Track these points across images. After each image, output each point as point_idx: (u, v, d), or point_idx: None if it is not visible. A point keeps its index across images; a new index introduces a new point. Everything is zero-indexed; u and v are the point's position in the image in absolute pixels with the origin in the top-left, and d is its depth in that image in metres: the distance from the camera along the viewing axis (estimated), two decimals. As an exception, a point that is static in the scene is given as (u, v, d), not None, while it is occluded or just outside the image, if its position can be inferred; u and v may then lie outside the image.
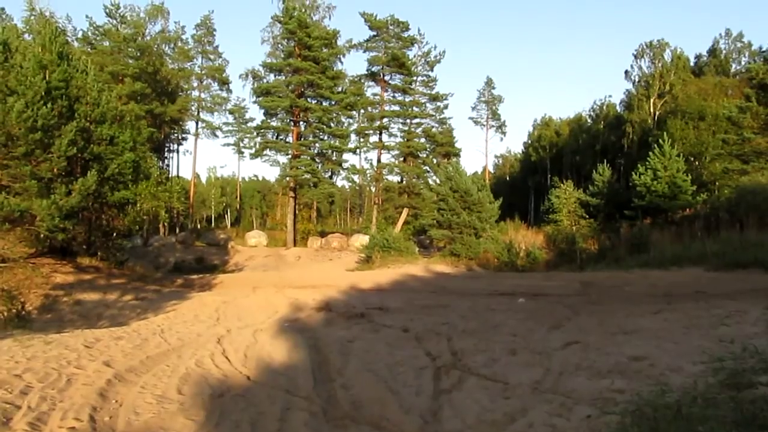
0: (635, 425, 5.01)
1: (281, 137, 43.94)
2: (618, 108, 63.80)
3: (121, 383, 6.98)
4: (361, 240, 36.67)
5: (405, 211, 44.97)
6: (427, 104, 46.34)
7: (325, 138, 44.11)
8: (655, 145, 32.13)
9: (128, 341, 9.53)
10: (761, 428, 4.48)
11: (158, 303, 15.75)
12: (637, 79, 59.93)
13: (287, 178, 43.37)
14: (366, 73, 46.29)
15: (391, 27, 44.29)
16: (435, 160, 45.21)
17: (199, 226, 59.37)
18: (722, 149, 32.23)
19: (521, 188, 72.05)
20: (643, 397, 5.94)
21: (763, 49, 40.41)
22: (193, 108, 52.42)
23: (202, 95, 53.41)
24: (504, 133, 69.79)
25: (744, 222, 22.25)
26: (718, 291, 14.18)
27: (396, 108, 45.40)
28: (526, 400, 6.35)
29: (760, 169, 27.24)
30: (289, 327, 11.35)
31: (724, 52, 61.72)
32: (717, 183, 33.42)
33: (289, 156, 42.75)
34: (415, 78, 45.61)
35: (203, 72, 52.86)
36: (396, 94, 45.78)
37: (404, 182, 45.55)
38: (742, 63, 57.64)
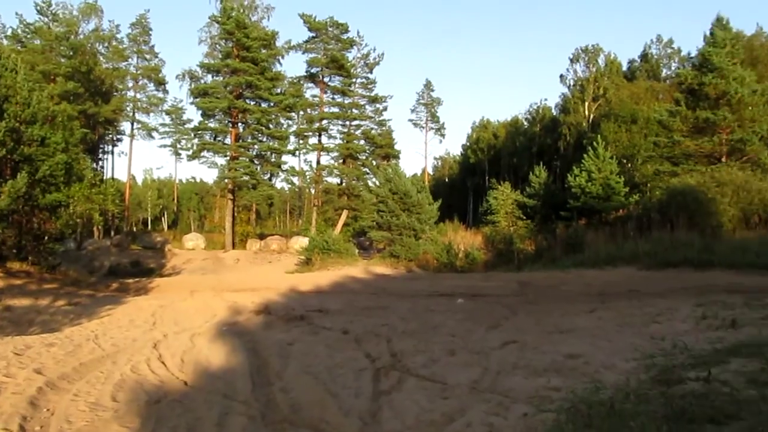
0: (570, 422, 5.11)
1: (219, 139, 43.42)
2: (554, 111, 64.96)
3: (53, 391, 6.79)
4: (301, 242, 36.48)
5: (345, 213, 44.91)
6: (367, 106, 46.44)
7: (264, 140, 43.78)
8: (590, 148, 32.84)
9: (60, 348, 9.28)
10: (690, 422, 4.61)
11: (92, 308, 15.36)
12: (572, 83, 61.17)
13: (225, 180, 42.88)
14: (305, 74, 46.14)
15: (330, 29, 44.20)
16: (374, 162, 45.27)
17: (135, 229, 58.07)
18: (653, 152, 33.08)
19: (460, 190, 72.73)
20: (578, 394, 6.06)
21: (692, 55, 41.64)
22: (128, 108, 51.33)
23: (138, 96, 52.39)
24: (443, 136, 70.43)
25: (674, 222, 22.86)
26: (650, 290, 14.58)
27: (335, 110, 45.32)
28: (464, 400, 6.40)
29: (689, 170, 28.04)
30: (227, 331, 11.21)
31: (655, 57, 63.48)
32: (648, 184, 34.30)
33: (228, 158, 42.27)
34: (354, 80, 45.64)
35: (139, 72, 51.81)
36: (335, 96, 45.69)
37: (344, 184, 45.49)
38: (672, 68, 59.31)
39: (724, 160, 28.64)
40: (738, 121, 28.68)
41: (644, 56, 64.07)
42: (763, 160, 27.69)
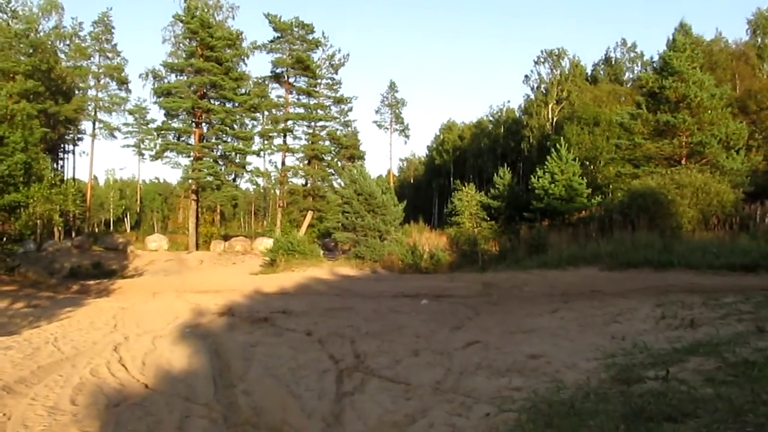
0: (531, 422, 5.16)
1: (183, 139, 43.02)
2: (517, 113, 65.47)
3: (10, 395, 6.68)
4: (266, 243, 36.29)
5: (309, 214, 44.77)
6: (332, 107, 46.34)
7: (229, 140, 43.47)
8: (553, 150, 33.12)
9: (18, 351, 9.14)
10: (648, 420, 4.68)
11: (52, 310, 15.12)
12: (536, 85, 61.74)
13: (189, 181, 42.47)
14: (270, 74, 45.85)
15: (295, 29, 44.02)
16: (340, 163, 45.26)
17: (96, 230, 57.28)
18: (615, 154, 33.53)
19: (425, 191, 72.95)
20: (539, 394, 6.12)
21: (654, 59, 42.32)
22: (90, 108, 50.50)
23: (100, 95, 51.54)
24: (408, 137, 70.60)
25: (635, 223, 23.12)
26: (612, 290, 14.75)
27: (300, 110, 45.15)
28: (427, 401, 6.43)
29: (650, 173, 28.44)
30: (190, 333, 11.12)
31: (618, 61, 64.42)
32: (611, 186, 34.77)
33: (192, 158, 41.89)
34: (319, 80, 45.52)
35: (101, 71, 51.02)
36: (300, 97, 45.49)
37: (309, 185, 45.33)
38: (635, 72, 60.20)
39: (683, 162, 29.09)
40: (697, 124, 29.16)
41: (607, 60, 64.94)
42: (721, 162, 28.18)
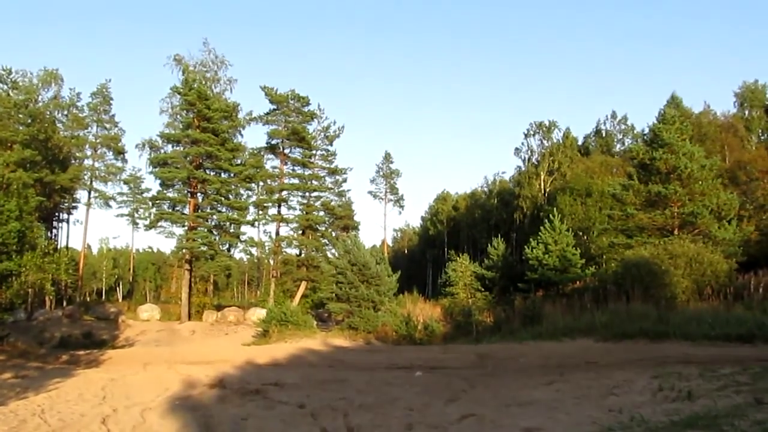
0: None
1: (177, 208, 43.12)
2: (510, 184, 66.06)
3: (-7, 470, 6.52)
4: (258, 314, 35.99)
5: (303, 285, 44.56)
6: (327, 178, 46.75)
7: (223, 210, 43.63)
8: (546, 220, 33.34)
9: (4, 423, 8.95)
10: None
11: (40, 381, 14.84)
12: (527, 157, 62.48)
13: (183, 250, 42.36)
14: (266, 145, 46.33)
15: (291, 101, 44.71)
16: (334, 233, 45.35)
17: (88, 299, 56.82)
18: (608, 224, 33.73)
19: (419, 261, 73.03)
20: (536, 469, 6.01)
21: (644, 131, 43.02)
22: (86, 177, 50.78)
23: (96, 164, 51.89)
24: (402, 207, 70.84)
25: (630, 294, 23.09)
26: (608, 361, 14.62)
27: (295, 181, 45.50)
28: (421, 476, 6.30)
29: (643, 243, 28.55)
30: (180, 405, 10.92)
31: (609, 132, 65.50)
32: (604, 256, 34.82)
33: (186, 228, 41.93)
34: (314, 152, 45.99)
35: (98, 141, 51.49)
36: (295, 167, 45.89)
37: (303, 255, 45.28)
38: (626, 143, 61.11)
39: (676, 232, 29.26)
40: (688, 195, 29.47)
41: (598, 132, 65.98)
42: (713, 232, 28.35)
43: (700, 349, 15.66)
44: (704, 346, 16.24)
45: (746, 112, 53.81)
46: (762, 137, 52.00)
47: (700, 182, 29.61)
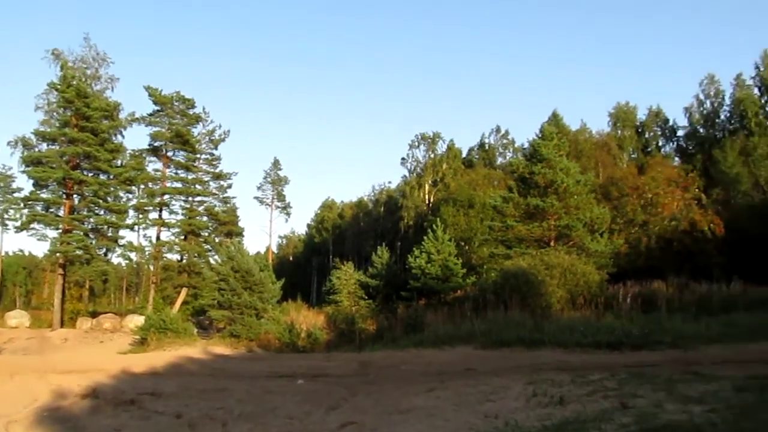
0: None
1: (52, 210, 41.03)
2: (396, 194, 66.88)
3: None
4: (136, 321, 34.78)
5: (184, 291, 43.43)
6: (211, 182, 45.67)
7: (101, 213, 41.86)
8: (429, 230, 33.92)
9: None
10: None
11: None
12: (412, 168, 63.51)
13: (57, 254, 40.39)
14: (148, 147, 44.87)
15: (176, 103, 43.55)
16: (217, 239, 44.41)
17: (-50, 306, 53.32)
18: (489, 235, 34.65)
19: (304, 268, 72.75)
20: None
21: (525, 146, 44.58)
22: (-50, 176, 47.74)
23: (-38, 162, 48.90)
24: (289, 214, 70.21)
25: (508, 303, 23.74)
26: (486, 368, 14.99)
27: (178, 185, 44.28)
28: (300, 485, 6.26)
29: (521, 254, 29.48)
30: (48, 417, 10.41)
31: (492, 146, 67.49)
32: (484, 266, 35.73)
33: (60, 230, 40.02)
34: (199, 156, 44.96)
35: (-36, 138, 48.58)
36: (179, 171, 44.67)
37: (184, 261, 44.12)
38: (507, 157, 63.10)
39: (552, 244, 30.43)
40: (564, 209, 30.70)
41: (482, 145, 67.84)
42: (586, 244, 29.67)
43: (572, 356, 16.34)
44: (576, 353, 16.95)
45: (619, 132, 56.71)
46: (633, 156, 54.93)
47: (576, 196, 30.91)
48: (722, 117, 50.92)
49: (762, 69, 46.74)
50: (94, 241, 41.22)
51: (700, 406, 8.62)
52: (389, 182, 73.51)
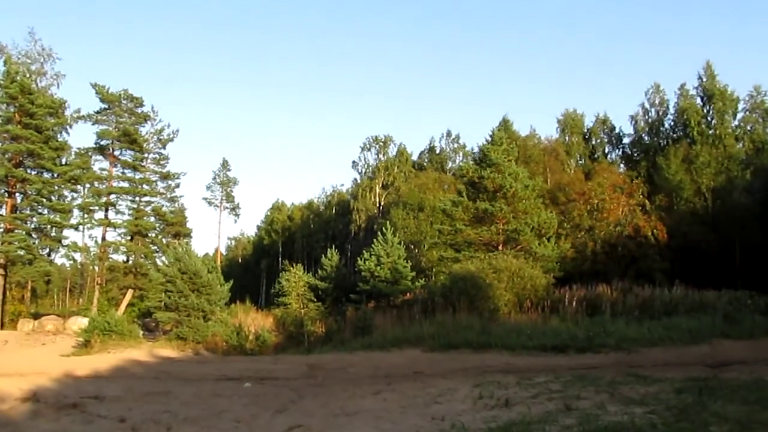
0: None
1: (-7, 209, 40.05)
2: (347, 196, 66.93)
3: None
4: (80, 323, 34.01)
5: (130, 293, 42.70)
6: (158, 182, 45.01)
7: (45, 212, 40.91)
8: (379, 233, 33.96)
9: None
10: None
11: None
12: (363, 171, 63.62)
13: (-3, 254, 39.39)
14: (94, 146, 44.00)
15: (124, 101, 42.85)
16: (164, 240, 43.80)
17: None
18: (438, 238, 34.87)
19: (253, 271, 72.23)
20: (359, 478, 6.10)
21: (474, 150, 44.95)
22: None
23: None
24: (238, 215, 69.53)
25: (456, 306, 23.91)
26: (434, 371, 15.10)
27: (125, 184, 43.51)
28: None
29: (470, 257, 29.72)
30: (-15, 422, 10.14)
31: (443, 150, 67.88)
32: (434, 269, 35.99)
33: (2, 230, 38.99)
34: (146, 155, 44.28)
35: None
36: (125, 170, 43.91)
37: (130, 262, 43.41)
38: (457, 161, 63.57)
39: (500, 248, 30.77)
40: (512, 213, 31.10)
41: (432, 149, 68.23)
42: (534, 249, 30.08)
43: (518, 359, 16.57)
44: (522, 356, 17.19)
45: (567, 138, 57.62)
46: (580, 162, 55.87)
47: (524, 201, 31.32)
48: (666, 125, 52.07)
49: (704, 80, 47.98)
50: (37, 241, 40.26)
51: (641, 407, 8.84)
52: (342, 185, 73.61)
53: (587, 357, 16.71)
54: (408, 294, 31.82)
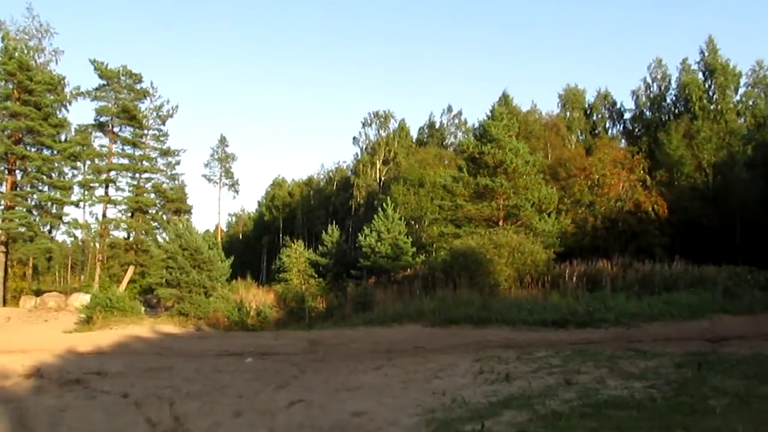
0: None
1: (-7, 186, 40.00)
2: (349, 172, 66.80)
3: None
4: (82, 299, 34.10)
5: (131, 269, 42.79)
6: (158, 159, 44.88)
7: (45, 189, 40.88)
8: (380, 209, 33.94)
9: None
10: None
11: None
12: (364, 146, 63.44)
13: (-2, 231, 39.40)
14: (94, 122, 43.85)
15: (123, 77, 42.61)
16: (165, 217, 43.81)
17: None
18: (439, 214, 34.87)
19: (254, 247, 72.27)
20: (361, 452, 6.16)
21: (475, 126, 44.82)
22: None
23: None
24: (237, 192, 69.44)
25: (457, 281, 23.98)
26: (434, 346, 15.18)
27: (125, 161, 43.41)
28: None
29: (470, 233, 29.74)
30: (-10, 397, 10.20)
31: (443, 126, 67.63)
32: (434, 245, 36.02)
33: (2, 207, 38.97)
34: (146, 132, 44.12)
35: None
36: (125, 147, 43.77)
37: (131, 239, 43.46)
38: (458, 137, 63.35)
39: (501, 223, 30.74)
40: (513, 189, 31.03)
41: (432, 124, 67.97)
42: (534, 224, 30.10)
43: (519, 334, 16.65)
44: (523, 331, 17.28)
45: (568, 113, 57.44)
46: (581, 137, 55.72)
47: (524, 177, 31.22)
48: (668, 100, 51.84)
49: (707, 54, 47.67)
50: (37, 218, 40.25)
51: (640, 381, 8.89)
52: (344, 161, 73.42)
53: (587, 332, 16.78)
54: (409, 270, 31.87)
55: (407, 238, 32.77)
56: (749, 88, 47.47)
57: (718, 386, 8.10)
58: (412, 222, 40.30)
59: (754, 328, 16.11)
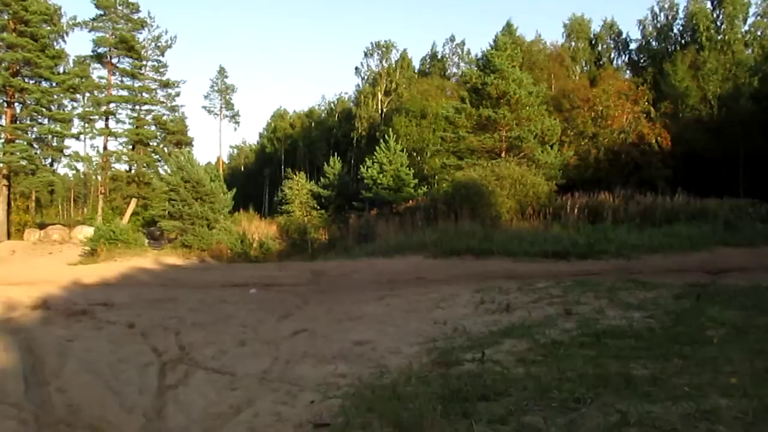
0: (353, 407, 5.27)
1: (-8, 119, 39.77)
2: (350, 103, 66.21)
3: None
4: (86, 232, 34.31)
5: (133, 202, 42.92)
6: (158, 91, 44.47)
7: (45, 122, 40.63)
8: (382, 140, 33.80)
9: None
10: (464, 401, 4.92)
11: None
12: (366, 77, 62.71)
13: (0, 165, 39.34)
14: (92, 54, 43.32)
15: (119, 7, 41.87)
16: (166, 149, 43.66)
17: None
18: (441, 146, 34.71)
19: (256, 179, 72.15)
20: (363, 380, 6.27)
21: (479, 56, 44.16)
22: None
23: None
24: (238, 124, 69.15)
25: (459, 213, 24.03)
26: (436, 277, 15.32)
27: (124, 93, 43.05)
28: (252, 391, 6.40)
29: (473, 165, 29.64)
30: (-2, 328, 10.36)
31: (446, 56, 66.65)
32: (436, 177, 35.96)
33: (2, 140, 38.82)
34: (145, 63, 43.60)
35: None
36: (124, 79, 43.34)
37: (133, 171, 43.43)
38: (461, 67, 62.51)
39: (503, 155, 30.63)
40: (516, 120, 30.79)
41: (434, 55, 67.01)
42: (536, 156, 29.97)
43: (520, 265, 16.77)
44: (524, 262, 17.38)
45: (572, 44, 56.52)
46: (585, 68, 54.94)
47: (527, 108, 30.93)
48: (675, 30, 50.91)
49: (716, -18, 46.64)
50: (38, 151, 40.14)
51: (639, 312, 8.99)
52: (345, 93, 72.66)
53: (588, 263, 16.90)
54: (410, 201, 31.93)
55: (409, 169, 32.74)
56: (758, 17, 46.44)
57: (716, 317, 8.19)
58: (414, 154, 40.14)
59: (753, 260, 16.20)
